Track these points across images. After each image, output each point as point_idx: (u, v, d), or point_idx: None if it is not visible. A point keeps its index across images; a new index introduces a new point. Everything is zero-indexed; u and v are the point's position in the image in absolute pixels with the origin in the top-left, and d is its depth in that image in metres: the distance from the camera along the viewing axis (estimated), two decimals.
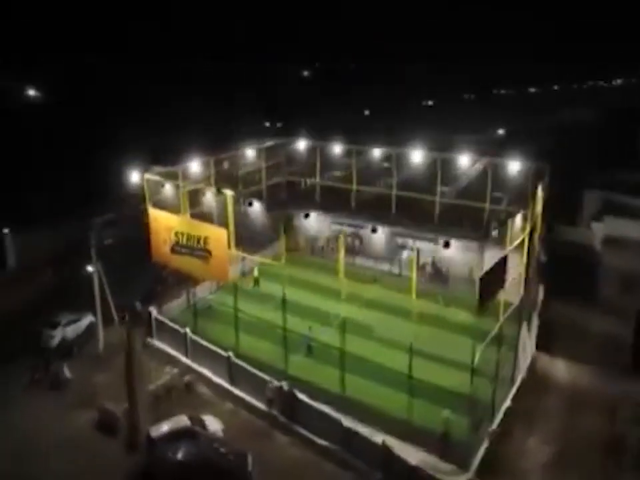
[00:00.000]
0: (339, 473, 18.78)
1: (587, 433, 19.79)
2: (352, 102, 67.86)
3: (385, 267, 31.50)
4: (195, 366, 24.19)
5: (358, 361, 23.50)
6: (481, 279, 16.20)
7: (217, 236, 22.12)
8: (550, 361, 22.90)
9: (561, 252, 32.55)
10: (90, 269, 24.18)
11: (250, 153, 30.75)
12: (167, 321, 25.75)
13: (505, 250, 18.89)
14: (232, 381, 22.89)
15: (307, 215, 30.87)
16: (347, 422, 19.17)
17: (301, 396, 20.73)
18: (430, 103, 71.99)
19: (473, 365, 17.20)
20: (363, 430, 18.86)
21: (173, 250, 24.29)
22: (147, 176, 23.76)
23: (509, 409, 20.13)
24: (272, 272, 28.80)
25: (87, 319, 27.24)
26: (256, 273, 29.94)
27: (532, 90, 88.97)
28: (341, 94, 67.54)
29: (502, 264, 18.15)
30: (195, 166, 26.47)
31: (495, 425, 18.85)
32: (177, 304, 27.35)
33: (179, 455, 17.83)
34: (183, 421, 19.50)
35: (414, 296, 21.07)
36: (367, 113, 68.72)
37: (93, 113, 55.25)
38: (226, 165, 29.24)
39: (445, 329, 25.00)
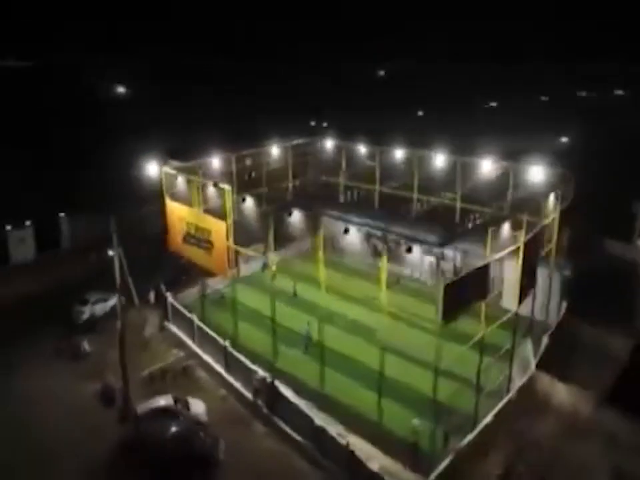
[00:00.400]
0: (308, 470, 19.03)
1: (576, 466, 18.40)
2: (414, 102, 66.51)
3: (408, 270, 31.12)
4: (199, 351, 25.51)
5: (348, 362, 23.73)
6: (446, 288, 15.56)
7: (218, 228, 23.18)
8: (550, 383, 21.39)
9: (603, 268, 30.27)
10: (111, 252, 26.17)
11: (275, 150, 31.51)
12: (179, 307, 27.34)
13: (489, 258, 17.97)
14: (227, 369, 23.92)
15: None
16: (319, 420, 19.38)
17: (282, 389, 21.30)
18: (494, 104, 68.42)
19: (436, 371, 16.70)
20: (332, 429, 18.96)
21: (184, 240, 25.76)
22: (165, 169, 25.35)
23: (492, 425, 19.21)
24: (294, 269, 29.77)
25: (114, 299, 29.55)
26: (274, 267, 30.71)
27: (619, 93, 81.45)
28: (400, 94, 66.35)
29: (481, 273, 17.31)
30: (215, 161, 27.70)
31: (467, 441, 18.10)
32: (192, 292, 28.88)
33: (155, 432, 19.06)
34: (167, 400, 20.76)
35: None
36: (420, 113, 66.72)
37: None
38: (248, 161, 30.20)
39: (446, 337, 24.18)
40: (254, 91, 61.57)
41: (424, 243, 26.68)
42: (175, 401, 20.80)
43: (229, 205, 22.27)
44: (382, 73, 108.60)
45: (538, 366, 22.07)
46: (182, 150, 31.79)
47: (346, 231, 29.72)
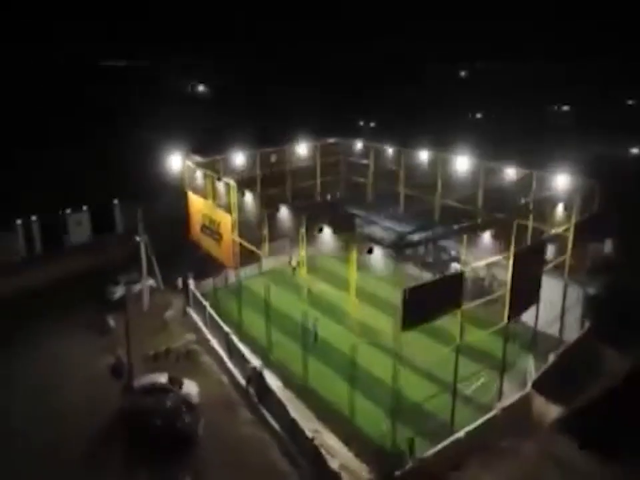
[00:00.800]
0: (280, 461, 19.54)
1: None
2: (479, 104, 63.78)
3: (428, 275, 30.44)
4: (209, 337, 26.96)
5: (344, 360, 23.85)
6: (406, 295, 15.26)
7: (225, 221, 24.35)
8: (545, 405, 20.11)
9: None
10: (137, 239, 28.45)
11: (302, 149, 32.18)
12: (198, 294, 28.98)
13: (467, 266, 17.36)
14: (229, 355, 25.09)
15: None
16: (294, 413, 19.86)
17: (270, 380, 22.04)
18: (565, 107, 63.36)
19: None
20: (304, 424, 19.36)
21: (202, 230, 27.29)
22: (187, 163, 27.02)
23: (468, 439, 18.58)
24: (317, 265, 30.33)
25: (148, 282, 31.98)
26: (294, 262, 31.53)
27: None
28: (470, 94, 63.68)
29: (453, 281, 16.79)
30: (239, 157, 28.95)
31: (434, 450, 17.67)
32: (214, 281, 30.40)
33: (144, 406, 20.64)
34: (162, 378, 22.28)
35: None
36: (478, 116, 63.56)
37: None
38: (273, 158, 31.12)
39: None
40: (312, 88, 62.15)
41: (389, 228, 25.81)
42: (170, 380, 22.27)
43: (233, 200, 23.32)
44: (462, 73, 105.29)
45: (537, 384, 20.85)
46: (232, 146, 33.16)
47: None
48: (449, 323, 18.43)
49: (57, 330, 27.82)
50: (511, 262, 18.26)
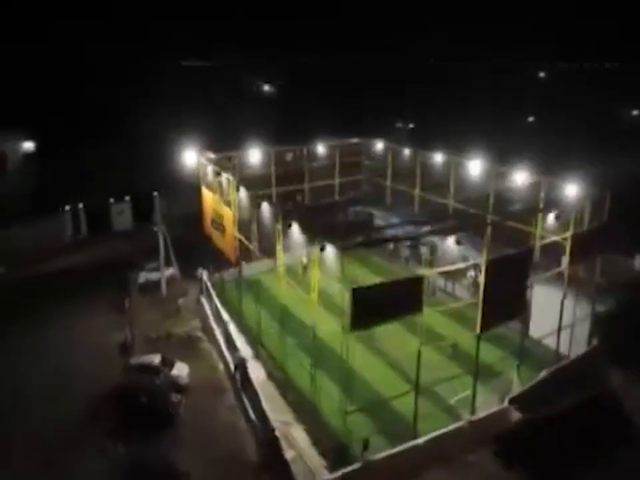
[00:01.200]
0: (249, 448, 20.22)
1: None
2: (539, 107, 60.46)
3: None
4: (214, 325, 28.31)
5: (332, 356, 24.18)
6: (354, 294, 15.33)
7: (227, 215, 25.49)
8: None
9: None
10: (155, 229, 30.39)
11: (321, 148, 32.64)
12: (209, 285, 30.46)
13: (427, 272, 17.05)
14: (227, 344, 26.25)
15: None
16: (266, 403, 20.54)
17: (254, 369, 22.90)
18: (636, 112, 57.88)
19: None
20: (272, 414, 19.99)
21: (211, 224, 28.69)
22: (201, 159, 28.49)
23: (429, 447, 18.31)
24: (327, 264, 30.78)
25: (169, 270, 34.02)
26: (305, 260, 32.15)
27: None
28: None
29: (410, 285, 16.56)
30: (254, 154, 30.03)
31: (384, 454, 17.58)
32: (226, 274, 31.72)
33: (134, 382, 22.25)
34: (156, 358, 23.83)
35: None
36: (530, 119, 59.84)
37: None
38: (289, 156, 31.85)
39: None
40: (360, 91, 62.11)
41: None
42: (163, 361, 23.78)
43: (232, 196, 24.38)
44: (542, 74, 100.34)
45: (518, 400, 20.02)
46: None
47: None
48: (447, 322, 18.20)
49: (83, 307, 30.43)
50: (483, 270, 17.71)
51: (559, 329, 22.19)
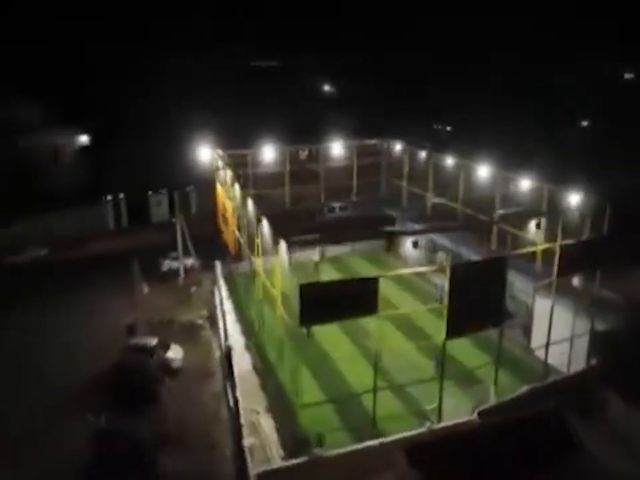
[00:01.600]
0: (221, 434, 21.03)
1: None
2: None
3: None
4: (219, 314, 29.50)
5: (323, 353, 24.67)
6: (302, 289, 15.54)
7: (229, 208, 26.54)
8: None
9: None
10: (174, 220, 32.13)
11: (337, 148, 32.87)
12: (220, 276, 31.74)
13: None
14: (225, 333, 27.29)
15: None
16: (238, 393, 21.21)
17: (240, 359, 23.72)
18: None
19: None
20: (246, 403, 20.60)
21: (222, 217, 29.93)
22: (215, 155, 29.79)
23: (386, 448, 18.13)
24: (338, 262, 31.38)
25: (190, 260, 35.80)
26: (316, 258, 32.67)
27: None
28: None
29: (364, 285, 16.50)
30: (268, 152, 30.92)
31: (332, 452, 17.59)
32: (239, 266, 32.86)
33: (127, 362, 23.79)
34: (153, 340, 25.30)
35: None
36: (585, 124, 55.21)
37: None
38: (302, 155, 32.35)
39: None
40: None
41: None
42: (159, 343, 25.20)
43: (231, 191, 25.36)
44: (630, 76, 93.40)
45: (490, 413, 19.32)
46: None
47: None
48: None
49: (106, 290, 32.69)
50: (447, 274, 17.32)
51: (547, 343, 21.14)
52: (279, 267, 19.74)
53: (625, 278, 25.08)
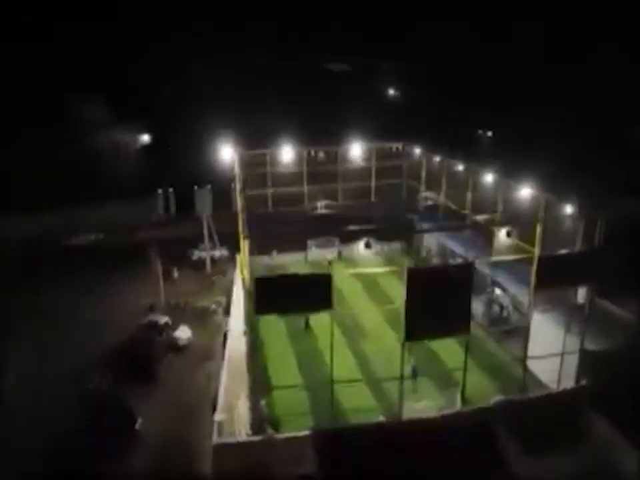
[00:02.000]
0: (205, 410, 22.65)
1: None
2: None
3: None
4: (235, 302, 31.54)
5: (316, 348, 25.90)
6: (257, 282, 16.84)
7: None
8: None
9: None
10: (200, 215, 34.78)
11: (356, 150, 33.71)
12: (238, 267, 33.81)
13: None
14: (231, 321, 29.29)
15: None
16: (226, 377, 22.92)
17: (235, 344, 25.52)
18: None
19: None
20: (229, 386, 22.24)
21: None
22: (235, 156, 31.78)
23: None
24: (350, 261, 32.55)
25: (219, 251, 38.45)
26: (330, 257, 33.83)
27: None
28: None
29: (315, 280, 17.48)
30: (287, 152, 32.55)
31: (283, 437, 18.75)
32: (259, 258, 34.68)
33: (136, 337, 26.46)
34: (163, 319, 27.88)
35: None
36: None
37: None
38: (321, 155, 33.52)
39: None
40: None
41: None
42: (168, 323, 27.74)
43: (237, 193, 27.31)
44: None
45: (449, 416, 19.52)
46: None
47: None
48: None
49: (141, 273, 35.68)
50: (405, 277, 17.83)
51: (525, 357, 20.87)
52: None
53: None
